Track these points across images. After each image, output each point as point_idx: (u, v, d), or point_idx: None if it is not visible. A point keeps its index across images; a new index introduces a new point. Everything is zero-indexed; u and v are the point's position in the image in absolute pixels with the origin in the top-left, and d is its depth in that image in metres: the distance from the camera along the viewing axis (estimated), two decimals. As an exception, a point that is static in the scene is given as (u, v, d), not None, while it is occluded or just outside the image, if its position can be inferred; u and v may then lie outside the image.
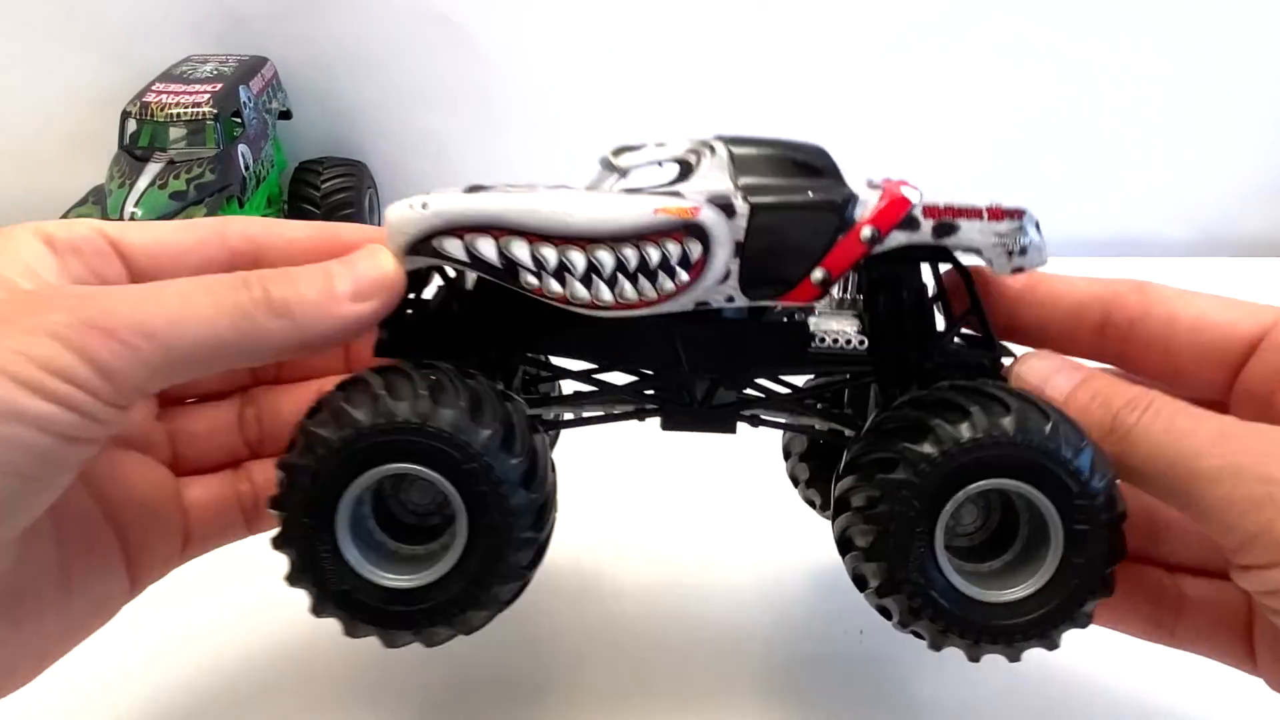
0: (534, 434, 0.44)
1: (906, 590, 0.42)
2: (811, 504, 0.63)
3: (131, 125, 1.06)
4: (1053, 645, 0.43)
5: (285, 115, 1.22)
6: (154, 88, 1.09)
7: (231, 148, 1.08)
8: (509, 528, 0.41)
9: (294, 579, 0.42)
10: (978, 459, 0.41)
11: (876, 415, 0.48)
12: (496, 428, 0.41)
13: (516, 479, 0.41)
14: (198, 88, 1.09)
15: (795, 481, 0.63)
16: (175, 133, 1.07)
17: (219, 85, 1.09)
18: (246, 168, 1.11)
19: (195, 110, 1.06)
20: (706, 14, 1.18)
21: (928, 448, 0.42)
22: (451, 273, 0.48)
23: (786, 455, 0.63)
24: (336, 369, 0.54)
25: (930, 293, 0.50)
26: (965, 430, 0.42)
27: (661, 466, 0.77)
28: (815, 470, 0.61)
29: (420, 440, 0.40)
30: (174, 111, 1.06)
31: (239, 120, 1.11)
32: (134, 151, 1.05)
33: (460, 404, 0.41)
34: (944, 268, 0.50)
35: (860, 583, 0.45)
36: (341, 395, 0.41)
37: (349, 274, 0.43)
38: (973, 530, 0.47)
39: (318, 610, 0.42)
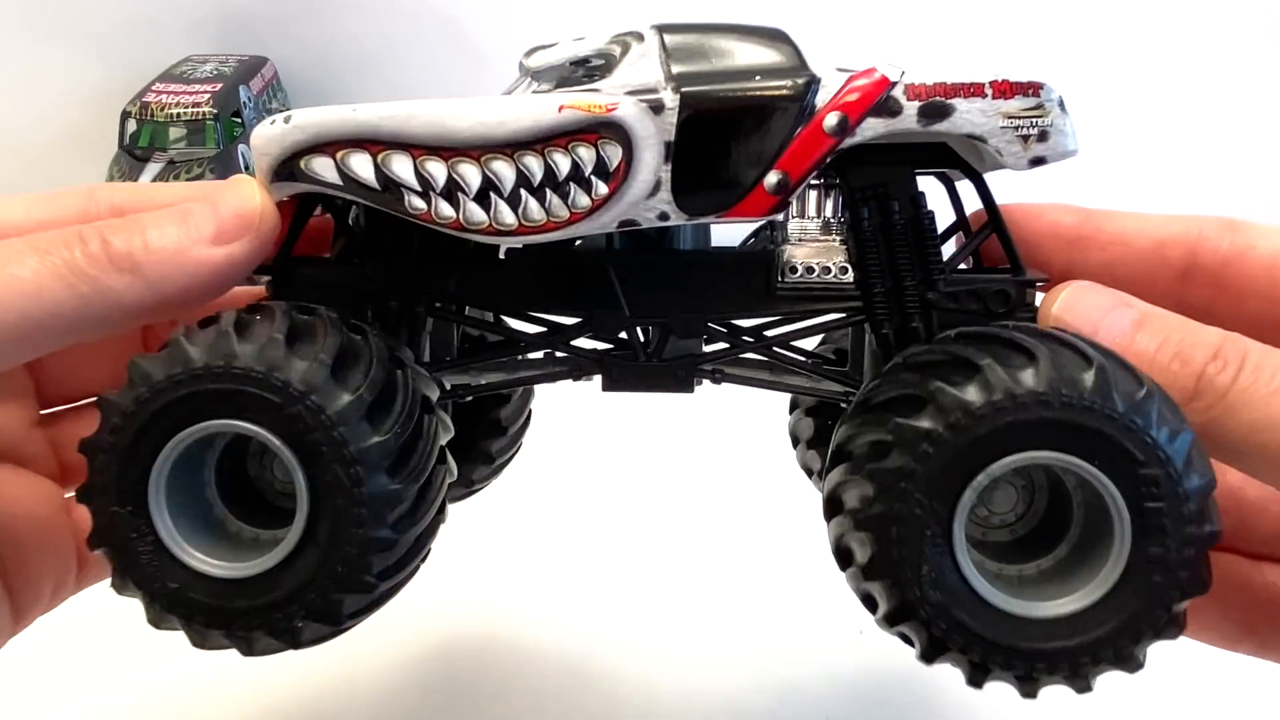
0: (397, 369, 0.36)
1: (923, 614, 0.32)
2: (809, 471, 0.51)
3: (131, 125, 1.06)
4: (1135, 666, 0.32)
5: (286, 115, 1.22)
6: (154, 88, 1.09)
7: (231, 148, 1.07)
8: (356, 480, 0.32)
9: (119, 585, 0.34)
10: (997, 430, 0.31)
11: (867, 382, 0.38)
12: (321, 360, 0.33)
13: (355, 415, 0.33)
14: (198, 88, 1.08)
15: (795, 441, 0.51)
16: (175, 133, 1.06)
17: (219, 85, 1.08)
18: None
19: (195, 110, 1.05)
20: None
21: (927, 422, 0.32)
22: (352, 224, 0.41)
23: (792, 409, 0.52)
24: None
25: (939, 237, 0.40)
26: (975, 393, 0.31)
27: (652, 449, 0.73)
28: (820, 429, 0.50)
29: (226, 387, 0.32)
30: (174, 111, 1.05)
31: (239, 120, 1.09)
32: (134, 151, 1.05)
33: (275, 335, 0.33)
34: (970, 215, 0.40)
35: (869, 605, 0.35)
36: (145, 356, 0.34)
37: (208, 213, 0.36)
38: (1013, 520, 0.36)
39: (155, 620, 0.34)
